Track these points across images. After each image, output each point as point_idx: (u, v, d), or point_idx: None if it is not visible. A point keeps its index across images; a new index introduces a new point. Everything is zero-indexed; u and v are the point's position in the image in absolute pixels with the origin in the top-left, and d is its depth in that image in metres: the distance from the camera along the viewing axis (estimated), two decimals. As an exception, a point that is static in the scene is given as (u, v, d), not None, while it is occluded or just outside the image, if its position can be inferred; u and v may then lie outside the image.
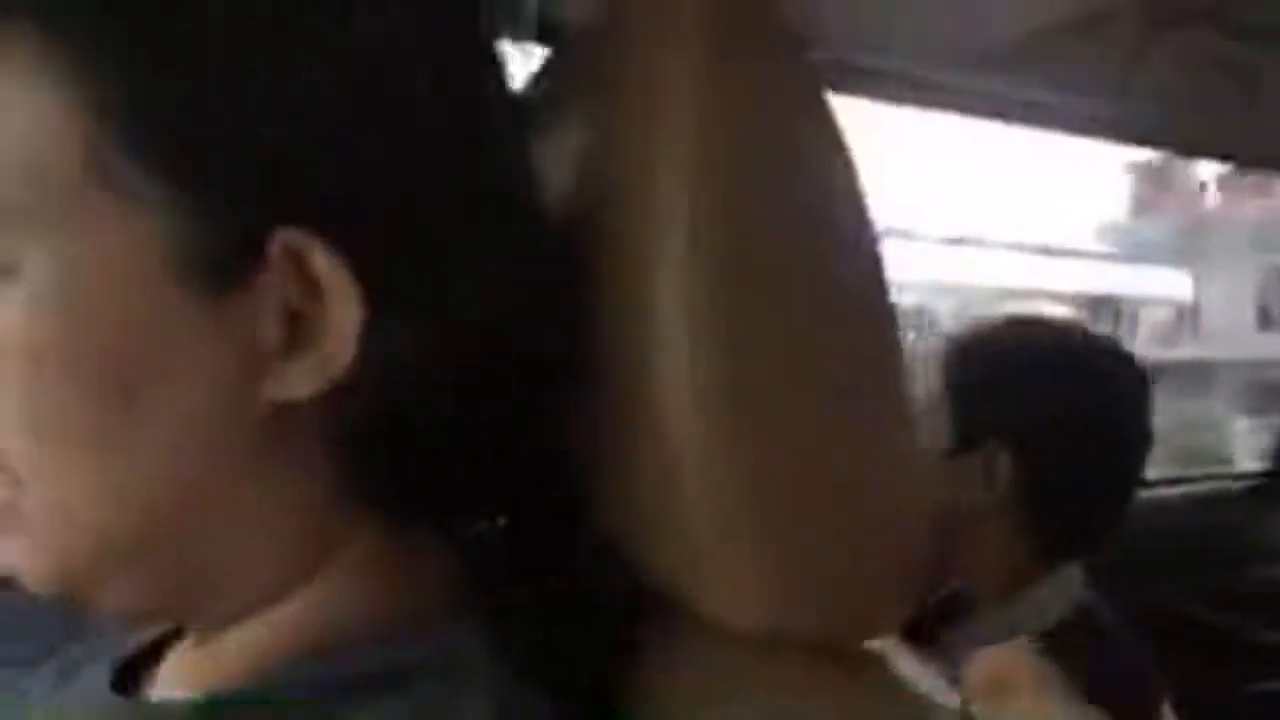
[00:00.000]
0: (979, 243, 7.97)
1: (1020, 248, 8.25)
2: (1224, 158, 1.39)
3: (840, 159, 0.31)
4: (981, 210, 8.21)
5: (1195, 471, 1.60)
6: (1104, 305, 8.53)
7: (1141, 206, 8.65)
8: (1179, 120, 1.17)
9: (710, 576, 0.29)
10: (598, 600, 0.32)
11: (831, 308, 0.30)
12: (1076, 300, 8.49)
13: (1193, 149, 1.31)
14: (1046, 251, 8.43)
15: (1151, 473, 1.60)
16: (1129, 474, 0.88)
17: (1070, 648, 0.79)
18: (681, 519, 0.29)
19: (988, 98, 1.08)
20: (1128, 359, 0.89)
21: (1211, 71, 1.03)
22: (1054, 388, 0.83)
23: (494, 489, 0.32)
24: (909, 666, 0.36)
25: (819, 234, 0.30)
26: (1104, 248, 8.65)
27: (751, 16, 0.30)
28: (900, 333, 0.32)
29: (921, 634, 0.86)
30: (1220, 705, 1.25)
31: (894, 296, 0.32)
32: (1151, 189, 8.27)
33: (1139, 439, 0.88)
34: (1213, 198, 7.06)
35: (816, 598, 0.30)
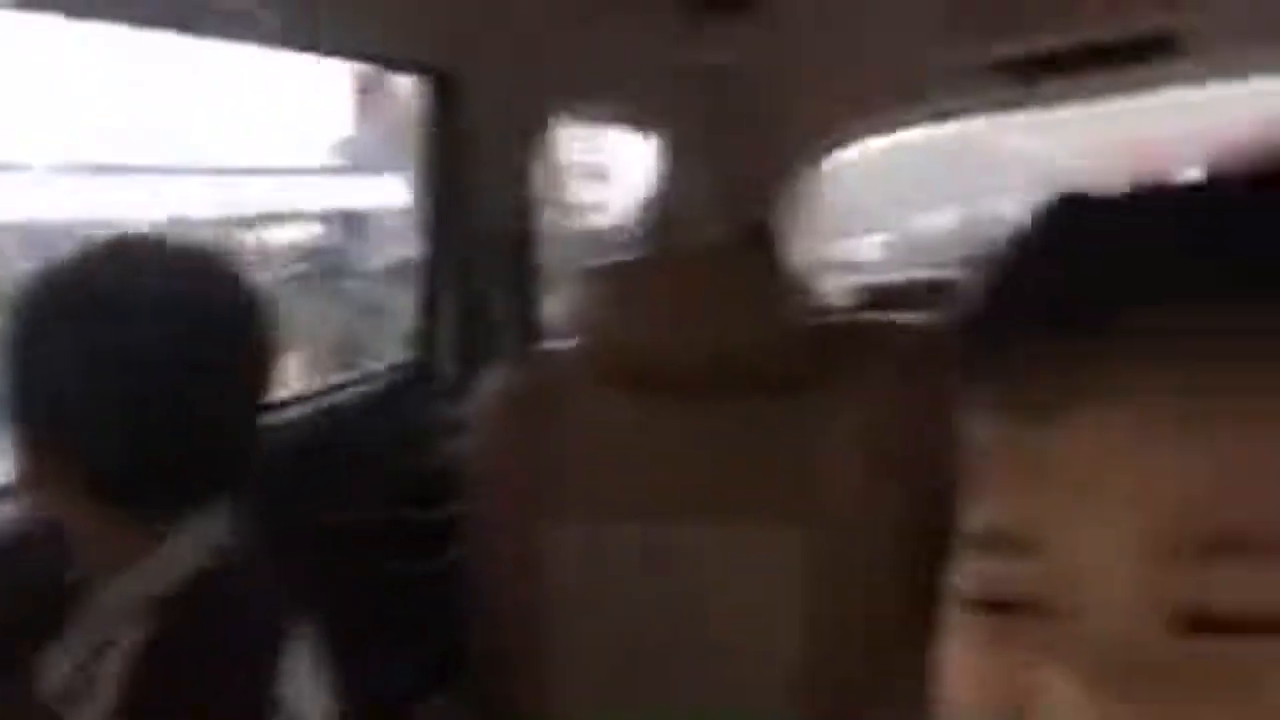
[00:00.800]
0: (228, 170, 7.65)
1: (268, 171, 8.12)
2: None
3: None
4: (228, 136, 7.87)
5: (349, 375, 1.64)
6: (347, 218, 8.87)
7: (363, 115, 9.03)
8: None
9: None
10: None
11: None
12: (326, 216, 8.68)
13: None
14: (287, 172, 8.42)
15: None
16: (219, 415, 0.79)
17: (195, 611, 0.75)
18: None
19: None
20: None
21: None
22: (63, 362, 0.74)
23: None
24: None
25: None
26: (338, 161, 8.92)
27: None
28: None
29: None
30: (363, 590, 1.32)
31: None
32: (370, 96, 8.64)
33: (222, 377, 0.79)
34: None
35: None
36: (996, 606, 0.31)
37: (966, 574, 0.33)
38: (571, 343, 1.31)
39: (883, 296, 2.18)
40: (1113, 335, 0.29)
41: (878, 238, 4.60)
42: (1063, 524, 0.30)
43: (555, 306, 1.69)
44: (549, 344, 1.50)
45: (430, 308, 1.53)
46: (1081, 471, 0.29)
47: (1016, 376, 0.31)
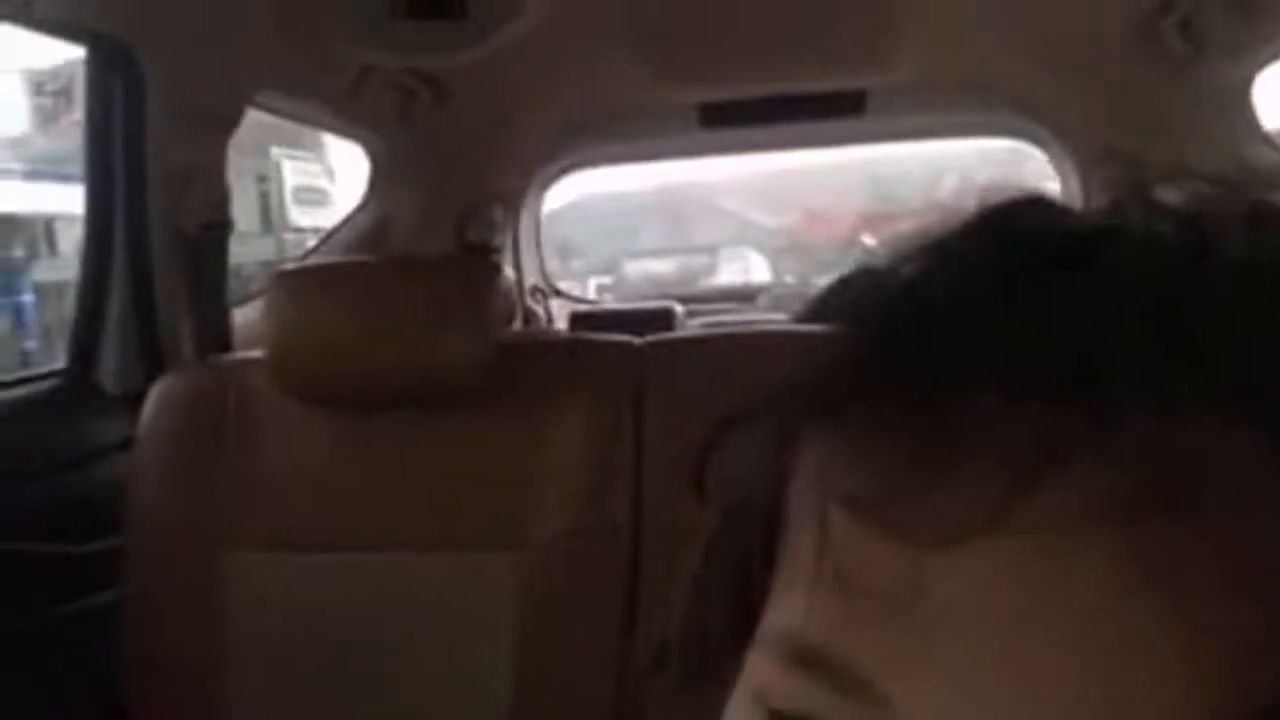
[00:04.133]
0: None
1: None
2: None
3: None
4: None
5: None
6: (10, 224, 7.85)
7: (46, 119, 8.11)
8: None
9: None
10: None
11: None
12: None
13: None
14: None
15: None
16: None
17: None
18: None
19: None
20: None
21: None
22: None
23: None
24: None
25: None
26: (7, 164, 7.91)
27: None
28: None
29: None
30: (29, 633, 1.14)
31: None
32: (54, 101, 7.78)
33: None
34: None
35: None
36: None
37: (757, 669, 0.25)
38: (256, 353, 1.20)
39: (595, 320, 2.20)
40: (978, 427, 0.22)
41: (594, 280, 4.71)
42: (907, 673, 0.22)
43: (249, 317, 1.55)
44: (231, 356, 1.36)
45: (96, 311, 1.34)
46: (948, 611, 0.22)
47: (868, 463, 0.23)
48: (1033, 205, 0.26)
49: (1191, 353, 0.21)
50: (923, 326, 0.24)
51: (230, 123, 1.41)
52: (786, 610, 0.25)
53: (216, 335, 1.41)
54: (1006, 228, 0.25)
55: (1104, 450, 0.21)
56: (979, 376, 0.22)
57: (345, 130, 1.87)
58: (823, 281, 2.27)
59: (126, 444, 1.22)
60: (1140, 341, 0.21)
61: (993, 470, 0.21)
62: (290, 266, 1.21)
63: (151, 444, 1.17)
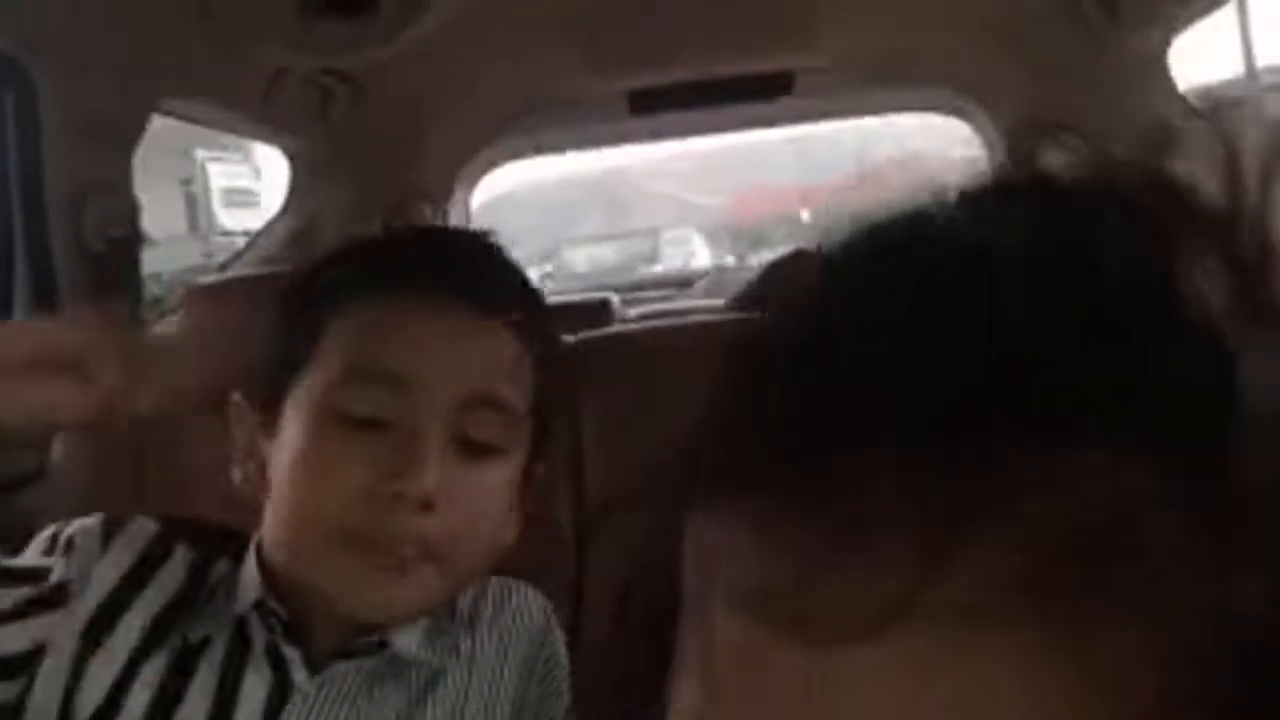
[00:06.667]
0: None
1: None
2: None
3: None
4: None
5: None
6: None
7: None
8: None
9: None
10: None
11: None
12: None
13: None
14: None
15: None
16: None
17: None
18: None
19: None
20: None
21: None
22: None
23: None
24: None
25: None
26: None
27: None
28: None
29: None
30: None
31: None
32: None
33: None
34: None
35: None
36: None
37: None
38: (175, 372, 1.15)
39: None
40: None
41: (534, 270, 4.68)
42: None
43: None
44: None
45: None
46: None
47: (752, 552, 0.21)
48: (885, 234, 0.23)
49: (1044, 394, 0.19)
50: (781, 400, 0.21)
51: (135, 132, 1.35)
52: (687, 694, 0.23)
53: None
54: (853, 280, 0.23)
55: (1000, 522, 0.19)
56: (849, 444, 0.20)
57: (262, 134, 1.81)
58: (760, 260, 2.26)
59: (39, 475, 1.16)
60: (994, 392, 0.19)
61: (887, 557, 0.19)
62: (207, 280, 1.16)
63: (65, 475, 1.12)
